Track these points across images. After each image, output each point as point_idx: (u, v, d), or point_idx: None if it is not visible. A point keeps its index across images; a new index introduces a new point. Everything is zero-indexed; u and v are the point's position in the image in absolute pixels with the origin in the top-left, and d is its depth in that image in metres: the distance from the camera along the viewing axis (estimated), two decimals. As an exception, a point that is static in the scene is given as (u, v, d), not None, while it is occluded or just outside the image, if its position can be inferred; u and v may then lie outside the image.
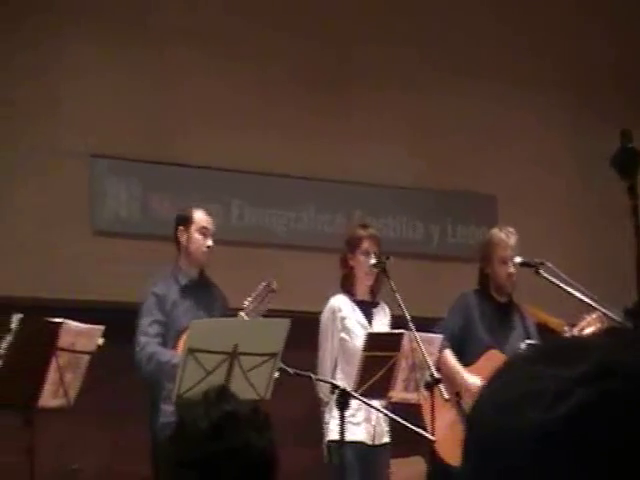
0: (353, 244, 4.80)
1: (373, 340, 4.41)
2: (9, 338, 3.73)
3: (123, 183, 5.78)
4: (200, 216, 4.71)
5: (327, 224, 6.21)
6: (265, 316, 4.44)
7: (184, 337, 4.29)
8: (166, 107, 5.92)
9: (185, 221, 4.70)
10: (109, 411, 5.48)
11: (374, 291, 4.83)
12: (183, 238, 4.68)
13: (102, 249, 5.67)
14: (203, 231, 4.67)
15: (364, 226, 4.94)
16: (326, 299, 4.82)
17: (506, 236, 4.83)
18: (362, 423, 4.64)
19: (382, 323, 4.83)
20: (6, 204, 5.51)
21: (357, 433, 4.61)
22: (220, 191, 5.94)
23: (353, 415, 4.52)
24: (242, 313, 4.45)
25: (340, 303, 4.79)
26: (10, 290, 5.29)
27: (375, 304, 4.86)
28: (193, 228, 4.68)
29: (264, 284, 4.50)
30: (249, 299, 4.46)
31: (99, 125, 5.73)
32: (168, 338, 4.54)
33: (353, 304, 4.82)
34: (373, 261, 4.69)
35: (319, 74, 6.30)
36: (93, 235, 5.69)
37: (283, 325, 4.14)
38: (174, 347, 4.47)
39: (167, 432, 4.25)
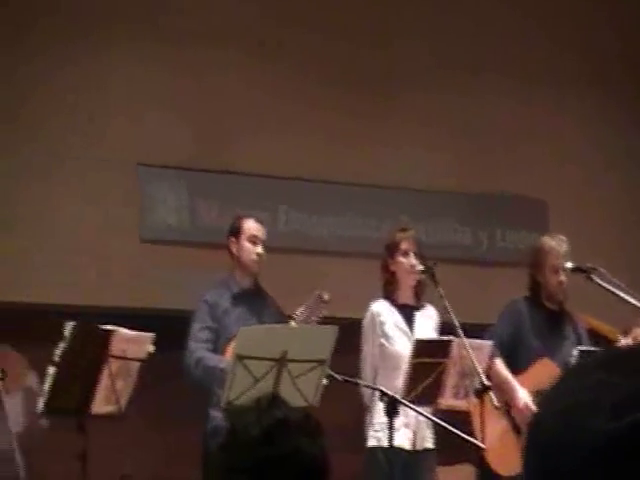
0: (392, 247, 4.80)
1: (421, 347, 4.41)
2: (62, 345, 3.79)
3: (171, 191, 5.85)
4: (249, 225, 4.76)
5: (373, 230, 6.22)
6: (320, 323, 4.46)
7: (232, 343, 4.34)
8: (213, 114, 5.97)
9: (235, 231, 4.76)
10: (159, 417, 5.55)
11: (418, 293, 4.83)
12: (234, 249, 4.74)
13: (151, 257, 5.73)
14: (253, 239, 4.72)
15: (402, 229, 4.94)
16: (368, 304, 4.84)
17: (557, 244, 4.80)
18: (401, 428, 4.64)
19: (426, 326, 4.81)
20: (57, 213, 5.59)
21: (397, 439, 4.60)
22: (267, 198, 5.99)
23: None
24: (293, 323, 4.48)
25: (380, 308, 4.80)
26: (63, 298, 5.38)
27: (418, 307, 4.87)
28: (243, 237, 4.73)
29: (316, 295, 4.53)
30: (301, 309, 4.49)
31: (147, 134, 5.80)
32: (218, 345, 4.59)
33: (393, 308, 4.82)
34: (421, 267, 4.69)
35: (363, 78, 6.31)
36: (142, 243, 5.76)
37: (331, 332, 4.16)
38: (223, 353, 4.52)
39: (216, 438, 4.31)
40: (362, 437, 4.74)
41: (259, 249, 4.72)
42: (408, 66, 6.44)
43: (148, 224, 5.80)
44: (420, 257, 4.75)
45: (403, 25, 6.46)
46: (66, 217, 5.59)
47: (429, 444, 4.74)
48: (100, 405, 3.98)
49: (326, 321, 4.34)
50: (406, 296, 4.84)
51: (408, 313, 4.83)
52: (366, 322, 4.79)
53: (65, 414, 3.93)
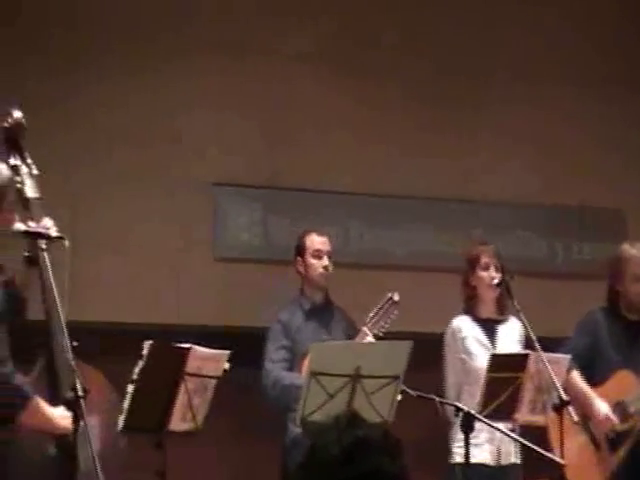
0: (472, 261, 4.80)
1: (497, 361, 4.39)
2: (141, 364, 3.87)
3: (245, 210, 5.92)
4: (312, 240, 4.80)
5: (447, 244, 6.22)
6: (387, 338, 4.49)
7: (306, 359, 4.37)
8: (285, 132, 6.02)
9: (300, 250, 4.81)
10: (236, 433, 5.61)
11: (501, 307, 4.81)
12: (301, 267, 4.79)
13: (225, 275, 5.81)
14: (317, 254, 4.76)
15: (482, 242, 4.93)
16: (447, 319, 4.84)
17: (638, 252, 4.74)
18: (484, 444, 4.62)
19: (510, 340, 4.78)
20: (132, 232, 5.70)
21: (479, 455, 4.59)
22: (338, 214, 6.03)
23: (475, 437, 4.51)
24: (365, 327, 4.51)
25: (460, 324, 4.79)
26: (140, 317, 5.49)
27: (501, 321, 4.84)
28: (307, 254, 4.78)
29: (386, 297, 4.55)
30: (371, 314, 4.53)
31: (220, 153, 5.89)
32: (294, 363, 4.65)
33: (475, 323, 4.81)
34: (496, 280, 4.68)
35: (437, 91, 6.32)
36: (216, 261, 5.85)
37: (405, 347, 4.16)
38: (299, 370, 4.57)
39: (295, 452, 4.35)
40: (436, 453, 4.73)
41: (325, 261, 4.75)
42: (482, 80, 6.43)
43: (222, 242, 5.87)
44: (501, 270, 4.74)
45: (483, 38, 6.45)
46: (143, 236, 5.69)
47: (514, 459, 4.71)
48: (177, 422, 4.04)
49: (400, 336, 4.35)
50: (488, 310, 4.82)
51: (490, 327, 4.82)
52: (447, 338, 4.79)
53: (144, 431, 4.00)
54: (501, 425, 4.31)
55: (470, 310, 4.83)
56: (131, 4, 5.83)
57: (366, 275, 5.97)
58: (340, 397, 4.09)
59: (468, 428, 3.99)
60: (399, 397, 4.18)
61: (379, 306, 4.55)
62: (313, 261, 4.77)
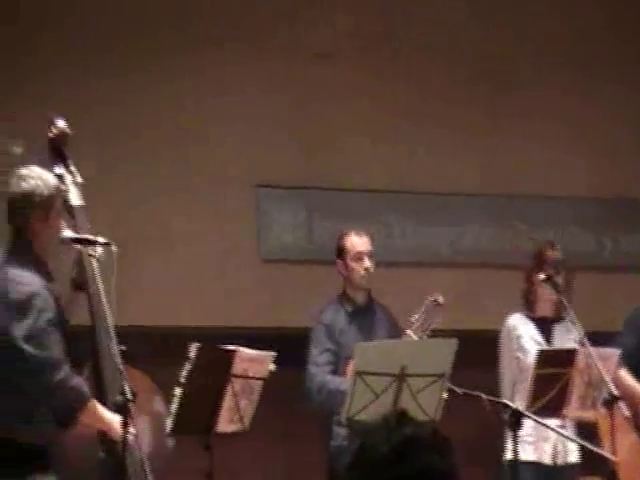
0: (538, 261, 4.74)
1: (545, 357, 4.36)
2: (188, 367, 3.90)
3: (289, 210, 5.95)
4: (352, 242, 4.75)
5: (492, 240, 6.19)
6: (432, 336, 4.47)
7: (351, 362, 4.37)
8: (326, 132, 6.04)
9: (341, 252, 4.78)
10: (282, 435, 5.63)
11: (559, 307, 4.77)
12: (342, 269, 4.77)
13: (270, 276, 5.84)
14: (358, 256, 4.72)
15: (552, 245, 4.84)
16: (493, 317, 4.82)
17: None
18: (539, 442, 4.59)
19: (567, 339, 4.74)
20: (176, 235, 5.75)
21: (532, 452, 4.56)
22: (381, 212, 6.03)
23: (530, 434, 4.48)
24: (409, 331, 4.50)
25: (516, 322, 4.77)
26: (186, 320, 5.54)
27: (558, 320, 4.80)
28: (348, 257, 4.74)
29: (430, 299, 4.53)
30: (415, 316, 4.51)
31: (263, 155, 5.92)
32: (339, 365, 4.62)
33: (530, 321, 4.78)
34: (542, 276, 4.66)
35: (478, 85, 6.29)
36: (261, 263, 5.88)
37: (450, 345, 4.15)
38: (343, 373, 4.56)
39: (342, 456, 4.34)
40: (485, 451, 4.71)
41: (366, 263, 4.72)
42: (528, 70, 6.38)
43: (267, 244, 5.91)
44: (561, 268, 4.68)
45: (523, 31, 6.41)
46: (188, 240, 5.75)
47: (573, 458, 4.67)
48: (224, 424, 4.06)
49: (446, 333, 4.35)
50: (545, 308, 4.79)
51: (545, 326, 4.78)
52: (502, 336, 4.77)
53: (191, 434, 4.03)
54: (550, 422, 4.28)
55: (527, 306, 4.80)
56: (155, 13, 5.87)
57: (409, 273, 5.96)
58: (386, 396, 4.09)
59: (516, 425, 3.97)
60: (445, 395, 4.17)
61: (423, 309, 4.52)
62: (354, 264, 4.74)
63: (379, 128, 6.12)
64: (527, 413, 4.06)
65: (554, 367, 4.33)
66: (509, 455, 4.52)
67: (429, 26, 6.26)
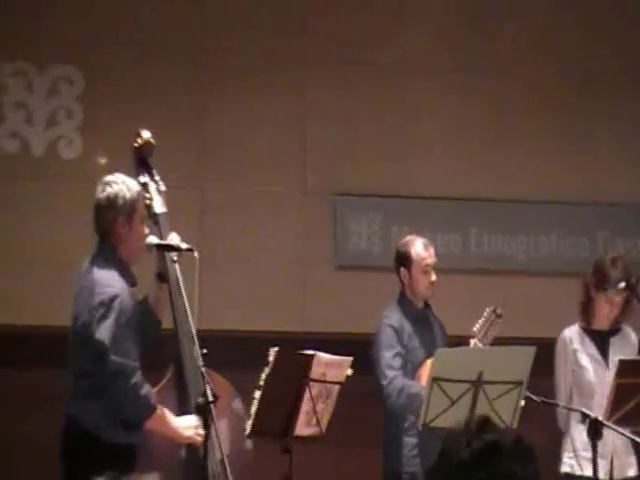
0: (600, 279, 4.67)
1: (626, 366, 4.30)
2: (267, 371, 3.96)
3: (364, 218, 5.98)
4: (420, 254, 4.66)
5: (570, 248, 6.13)
6: (510, 343, 4.46)
7: (426, 367, 4.38)
8: (401, 142, 6.05)
9: (405, 260, 4.68)
10: (358, 438, 5.65)
11: (618, 319, 4.72)
12: (406, 279, 4.69)
13: (346, 283, 5.88)
14: (426, 269, 4.66)
15: (614, 262, 4.70)
16: (571, 324, 4.78)
17: None
18: (596, 457, 4.51)
19: (623, 353, 4.64)
20: (257, 243, 5.82)
21: (588, 468, 4.46)
22: (458, 220, 6.00)
23: (586, 449, 4.39)
24: (473, 340, 4.47)
25: (572, 334, 4.70)
26: (265, 325, 5.60)
27: (614, 332, 4.73)
28: (414, 268, 4.66)
29: (490, 310, 4.50)
30: (477, 326, 4.49)
31: (341, 165, 5.97)
32: (406, 370, 4.60)
33: (585, 335, 4.70)
34: (622, 284, 4.59)
35: (560, 96, 6.25)
36: (337, 269, 5.92)
37: (528, 353, 4.12)
38: (413, 378, 4.54)
39: (411, 467, 4.31)
40: (557, 460, 4.67)
41: (432, 277, 4.65)
42: (607, 79, 6.32)
43: (343, 251, 5.94)
44: (632, 280, 4.61)
45: (595, 38, 6.35)
46: (268, 247, 5.82)
47: (631, 472, 4.60)
48: (302, 427, 4.09)
49: (523, 341, 4.33)
50: (602, 321, 4.73)
51: (601, 340, 4.71)
52: (558, 348, 4.71)
53: (270, 436, 4.08)
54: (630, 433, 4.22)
55: (584, 320, 4.73)
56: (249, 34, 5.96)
57: (487, 280, 5.93)
58: (462, 403, 4.07)
59: (596, 435, 3.92)
60: (522, 403, 4.15)
61: (484, 319, 4.48)
62: (420, 276, 4.66)
63: (456, 138, 6.10)
64: (608, 423, 4.01)
65: (635, 377, 4.26)
66: (566, 468, 4.47)
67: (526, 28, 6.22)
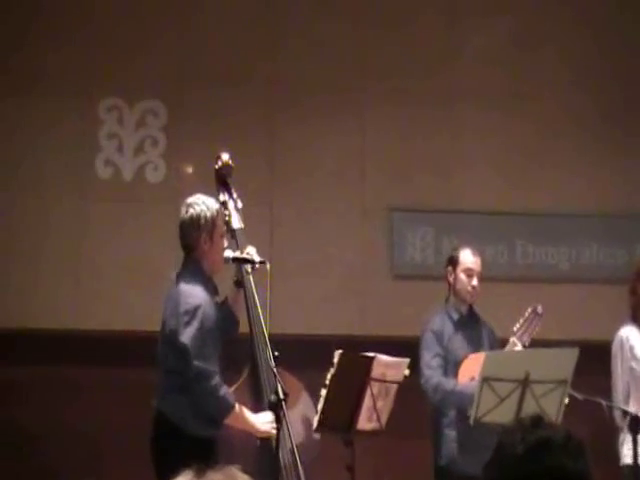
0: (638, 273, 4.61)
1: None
2: (332, 371, 3.94)
3: (417, 231, 5.97)
4: (466, 258, 4.67)
5: (609, 257, 6.01)
6: (554, 345, 4.38)
7: (463, 368, 4.39)
8: (452, 160, 6.02)
9: (453, 262, 4.71)
10: (412, 433, 5.60)
11: None
12: (451, 278, 4.70)
13: (402, 292, 5.87)
14: (468, 272, 4.64)
15: None
16: (611, 329, 4.68)
17: None
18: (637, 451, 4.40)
19: None
20: (319, 255, 5.84)
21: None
22: (504, 232, 5.95)
23: None
24: (513, 338, 4.43)
25: (628, 333, 4.62)
26: (330, 329, 5.62)
27: None
28: (459, 269, 4.66)
29: (530, 309, 4.46)
30: (517, 325, 4.45)
31: (396, 183, 5.97)
32: (447, 369, 4.59)
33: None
34: None
35: (590, 111, 6.15)
36: (393, 279, 5.91)
37: (572, 354, 4.07)
38: (454, 376, 4.53)
39: (450, 458, 4.25)
40: (602, 454, 4.56)
41: (474, 282, 4.64)
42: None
43: (399, 262, 5.94)
44: None
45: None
46: (331, 258, 5.84)
47: None
48: (364, 422, 4.08)
49: (568, 344, 4.25)
50: None
51: None
52: (615, 347, 4.62)
53: (335, 430, 4.06)
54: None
55: (636, 318, 4.64)
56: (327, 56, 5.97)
57: (531, 288, 5.85)
58: (510, 400, 4.04)
59: (635, 431, 3.83)
60: (566, 400, 4.07)
61: (524, 318, 4.44)
62: (463, 277, 4.66)
63: (502, 156, 6.05)
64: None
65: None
66: (627, 459, 4.36)
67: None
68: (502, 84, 6.07)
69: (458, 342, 4.61)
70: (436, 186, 5.99)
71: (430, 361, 4.56)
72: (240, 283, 3.88)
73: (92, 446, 5.55)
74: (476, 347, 4.54)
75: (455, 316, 4.69)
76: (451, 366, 4.55)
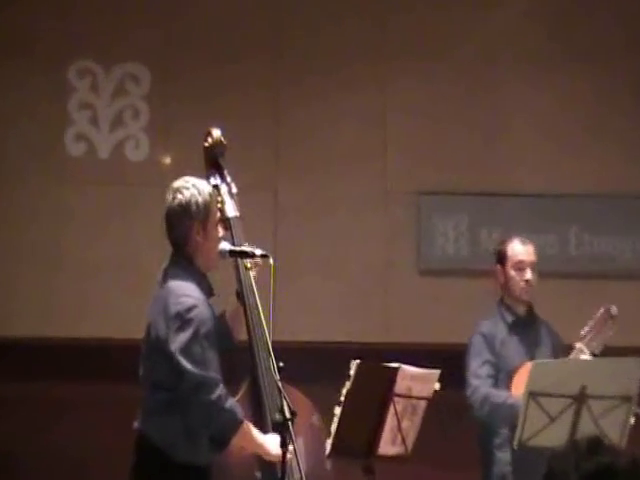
0: None
1: None
2: (348, 385, 3.92)
3: (450, 219, 5.95)
4: (514, 249, 4.67)
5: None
6: (614, 354, 4.36)
7: (518, 377, 4.32)
8: (489, 134, 6.02)
9: (501, 258, 4.70)
10: (444, 459, 5.60)
11: None
12: (501, 277, 4.70)
13: (431, 289, 5.87)
14: (519, 265, 4.65)
15: None
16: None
17: None
18: None
19: None
20: (331, 248, 5.85)
21: None
22: (555, 219, 5.93)
23: None
24: (579, 344, 4.41)
25: None
26: (345, 336, 5.62)
27: None
28: (508, 265, 4.67)
29: (602, 310, 4.45)
30: (586, 328, 4.42)
31: (425, 161, 5.97)
32: (499, 378, 4.58)
33: None
34: None
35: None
36: (421, 275, 5.91)
37: (637, 364, 4.05)
38: (507, 387, 4.51)
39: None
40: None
41: (527, 275, 4.64)
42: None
43: (427, 255, 5.94)
44: None
45: None
46: (346, 252, 5.84)
47: None
48: (386, 446, 4.06)
49: (629, 352, 4.22)
50: None
51: None
52: None
53: (352, 456, 4.05)
54: None
55: None
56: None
57: (588, 285, 5.83)
58: (563, 420, 4.01)
59: None
60: (632, 420, 4.05)
61: (595, 320, 4.44)
62: (514, 273, 4.66)
63: (552, 129, 6.04)
64: None
65: None
66: None
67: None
68: (550, 48, 6.05)
69: (513, 348, 4.61)
70: (471, 164, 5.97)
71: (478, 369, 4.57)
72: (243, 295, 3.86)
73: (78, 470, 5.58)
74: (534, 354, 4.54)
75: (509, 318, 4.68)
76: (503, 375, 4.55)
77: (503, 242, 4.77)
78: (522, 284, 4.64)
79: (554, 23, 6.12)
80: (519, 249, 4.67)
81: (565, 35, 6.10)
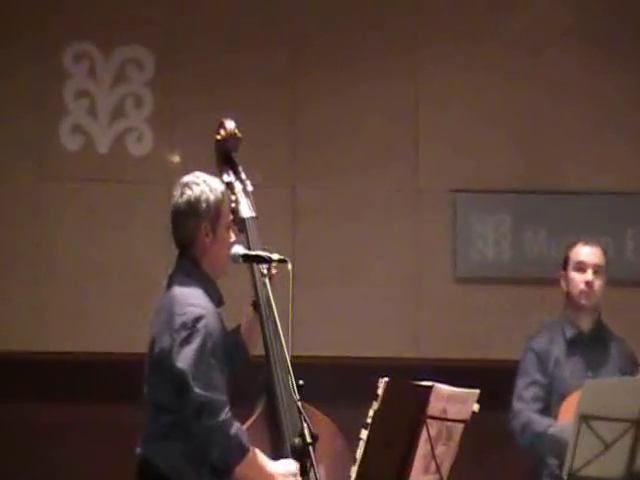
0: None
1: None
2: (375, 406, 3.91)
3: (490, 219, 5.97)
4: (576, 250, 4.71)
5: None
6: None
7: (569, 401, 4.32)
8: (534, 125, 6.04)
9: (564, 262, 4.74)
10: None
11: None
12: (564, 283, 4.73)
13: (468, 298, 5.88)
14: (579, 266, 4.67)
15: None
16: None
17: None
18: None
19: None
20: (356, 253, 5.87)
21: None
22: (609, 220, 5.94)
23: None
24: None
25: None
26: (372, 351, 5.65)
27: None
28: (570, 267, 4.70)
29: None
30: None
31: (461, 157, 5.98)
32: (552, 402, 4.57)
33: None
34: None
35: None
36: (456, 283, 5.92)
37: None
38: (557, 413, 4.50)
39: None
40: None
41: (588, 276, 4.65)
42: None
43: (464, 260, 5.95)
44: None
45: None
46: (372, 258, 5.87)
47: None
48: (419, 474, 4.06)
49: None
50: None
51: None
52: None
53: (379, 485, 4.05)
54: None
55: None
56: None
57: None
58: (619, 447, 4.01)
59: None
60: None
61: None
62: (574, 274, 4.67)
63: (606, 117, 6.04)
64: None
65: None
66: None
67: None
68: (609, 21, 6.05)
69: (571, 368, 4.61)
70: (513, 159, 5.99)
71: (522, 391, 4.57)
72: (259, 305, 3.87)
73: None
74: (598, 376, 4.54)
75: (570, 332, 4.66)
76: (557, 399, 4.54)
77: (568, 246, 4.79)
78: (582, 286, 4.64)
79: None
80: (581, 250, 4.70)
81: (623, 10, 6.10)
